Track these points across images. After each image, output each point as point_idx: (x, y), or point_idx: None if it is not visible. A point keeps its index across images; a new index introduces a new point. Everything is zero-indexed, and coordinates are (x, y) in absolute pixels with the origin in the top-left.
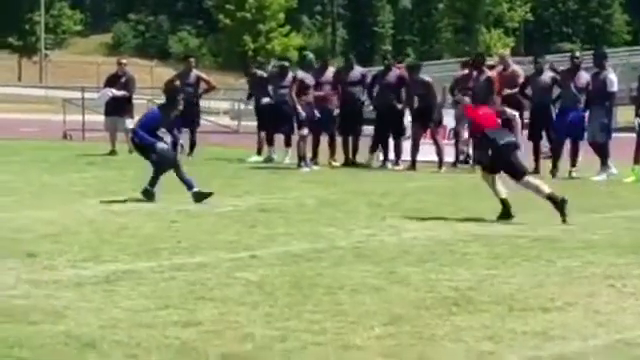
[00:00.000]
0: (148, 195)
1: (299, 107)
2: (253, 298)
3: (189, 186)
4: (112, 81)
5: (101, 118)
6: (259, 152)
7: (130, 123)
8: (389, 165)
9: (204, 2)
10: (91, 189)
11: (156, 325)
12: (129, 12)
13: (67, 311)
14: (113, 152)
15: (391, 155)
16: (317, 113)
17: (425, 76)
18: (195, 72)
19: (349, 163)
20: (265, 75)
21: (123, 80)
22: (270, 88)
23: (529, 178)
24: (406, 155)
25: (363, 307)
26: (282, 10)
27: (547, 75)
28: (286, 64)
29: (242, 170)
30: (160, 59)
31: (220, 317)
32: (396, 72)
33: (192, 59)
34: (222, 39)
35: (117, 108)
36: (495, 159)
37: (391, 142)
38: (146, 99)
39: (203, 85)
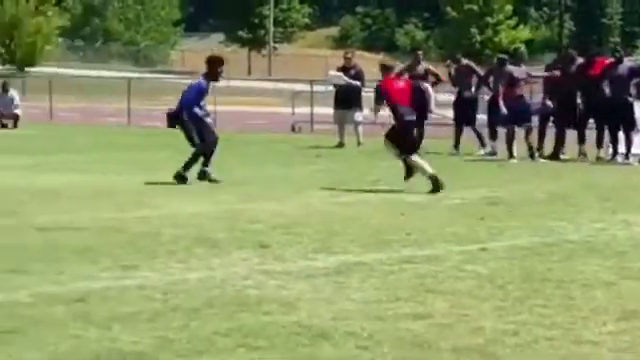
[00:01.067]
0: (181, 179)
1: (501, 102)
2: (484, 291)
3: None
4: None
5: (329, 111)
6: (483, 145)
7: (359, 116)
8: (619, 159)
9: None
10: (319, 181)
11: (387, 317)
12: (356, 5)
13: (299, 302)
14: (341, 144)
15: (621, 148)
16: (550, 104)
17: None
18: (423, 64)
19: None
20: (471, 64)
21: (352, 73)
22: (491, 80)
23: (416, 157)
24: (636, 149)
25: (595, 302)
26: (510, 2)
27: None
28: (505, 57)
29: (468, 163)
30: (387, 52)
31: (451, 310)
32: (627, 64)
33: (420, 52)
34: (449, 32)
35: (346, 100)
36: (399, 131)
37: (621, 135)
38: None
39: (431, 78)
